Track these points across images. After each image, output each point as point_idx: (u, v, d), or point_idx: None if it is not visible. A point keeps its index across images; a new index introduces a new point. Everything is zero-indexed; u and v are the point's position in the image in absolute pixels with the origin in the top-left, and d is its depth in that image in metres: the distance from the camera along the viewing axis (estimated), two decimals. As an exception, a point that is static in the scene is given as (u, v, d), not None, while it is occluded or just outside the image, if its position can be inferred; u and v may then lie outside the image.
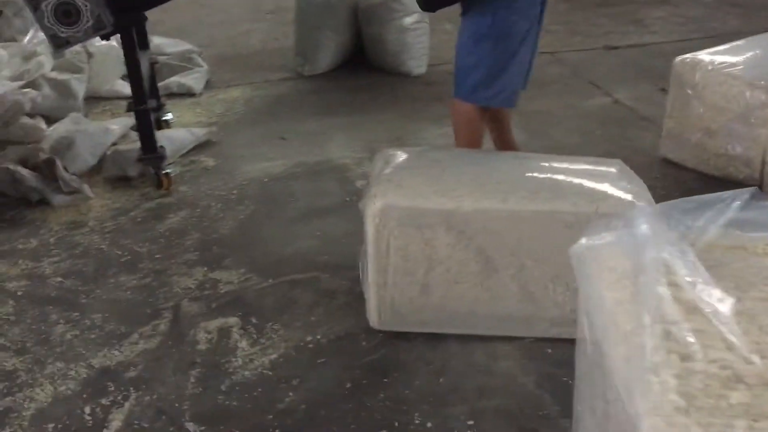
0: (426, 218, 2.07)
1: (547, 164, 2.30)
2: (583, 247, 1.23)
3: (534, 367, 2.13)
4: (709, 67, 3.04)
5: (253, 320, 2.36)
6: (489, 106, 2.73)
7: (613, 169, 2.31)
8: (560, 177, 2.19)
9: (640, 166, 2.86)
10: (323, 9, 4.58)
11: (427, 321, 2.23)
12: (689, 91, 3.13)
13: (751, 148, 2.98)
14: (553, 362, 2.15)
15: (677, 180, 3.19)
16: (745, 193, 1.13)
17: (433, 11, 2.61)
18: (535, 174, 2.20)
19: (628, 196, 2.09)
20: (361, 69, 4.66)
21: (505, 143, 2.99)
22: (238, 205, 3.08)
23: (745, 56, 3.05)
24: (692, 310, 0.98)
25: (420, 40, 4.61)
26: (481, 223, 2.07)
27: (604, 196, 2.09)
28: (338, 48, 4.68)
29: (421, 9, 2.63)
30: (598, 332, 1.09)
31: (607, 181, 2.19)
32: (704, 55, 3.11)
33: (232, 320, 2.37)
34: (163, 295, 2.50)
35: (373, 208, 2.09)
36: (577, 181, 2.18)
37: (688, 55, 3.16)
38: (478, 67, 2.58)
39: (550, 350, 2.20)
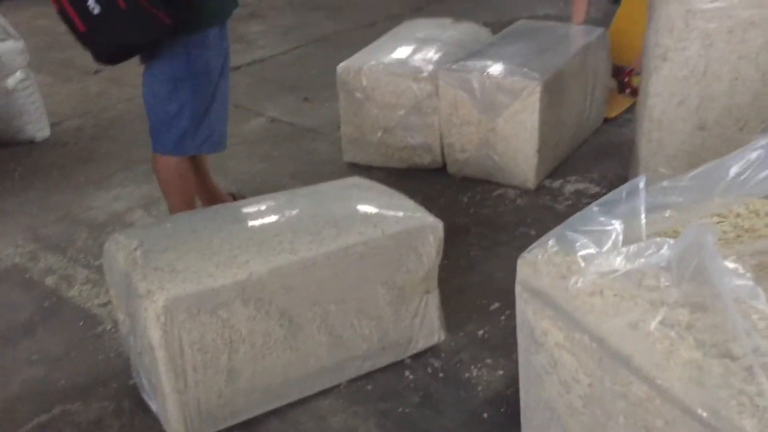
0: (219, 298, 1.78)
1: (303, 200, 2.15)
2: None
3: (366, 411, 2.01)
4: (373, 70, 3.17)
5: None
6: (199, 154, 2.47)
7: (361, 186, 2.28)
8: (328, 210, 2.07)
9: (332, 175, 2.89)
10: None
11: (240, 409, 1.94)
12: (359, 96, 3.23)
13: (429, 135, 3.20)
14: (379, 397, 2.05)
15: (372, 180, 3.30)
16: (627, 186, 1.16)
17: (114, 64, 2.23)
18: (303, 215, 2.05)
19: (401, 211, 2.07)
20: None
21: (210, 190, 2.75)
22: None
23: (398, 54, 3.26)
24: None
25: (32, 99, 3.96)
26: (278, 284, 1.85)
27: (380, 216, 2.04)
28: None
29: (100, 63, 2.22)
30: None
31: (369, 202, 2.14)
32: (363, 60, 3.23)
33: None
34: None
35: (153, 308, 1.72)
36: (345, 209, 2.08)
37: (347, 62, 3.26)
38: (181, 115, 2.31)
39: (369, 386, 2.09)
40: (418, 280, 2.07)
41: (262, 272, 1.82)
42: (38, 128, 3.99)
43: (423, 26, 3.66)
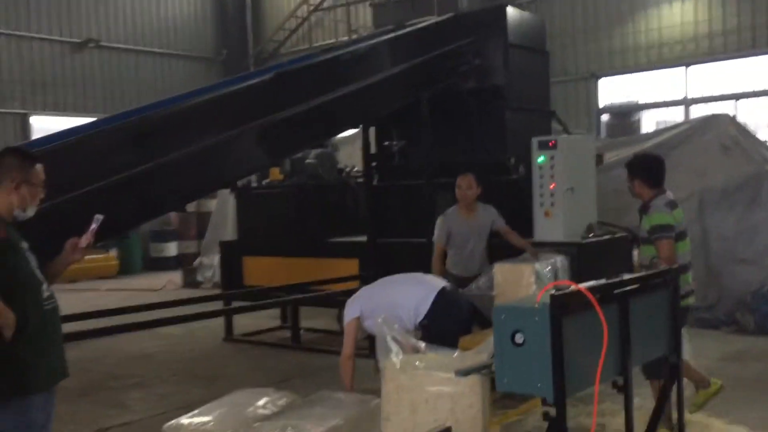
0: None
1: None
2: None
3: None
4: (190, 427, 3.96)
5: None
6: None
7: None
8: None
9: None
10: None
11: None
12: (177, 448, 3.97)
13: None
14: None
15: None
16: None
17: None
18: None
19: None
20: None
21: None
22: None
23: (215, 412, 4.09)
24: None
25: None
26: None
27: None
28: None
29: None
30: None
31: None
32: (184, 420, 4.04)
33: None
34: None
35: None
36: None
37: (172, 422, 4.05)
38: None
39: None
40: None
41: None
42: None
43: (245, 395, 4.54)
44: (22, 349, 3.02)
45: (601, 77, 15.60)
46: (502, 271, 5.71)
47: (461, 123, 7.30)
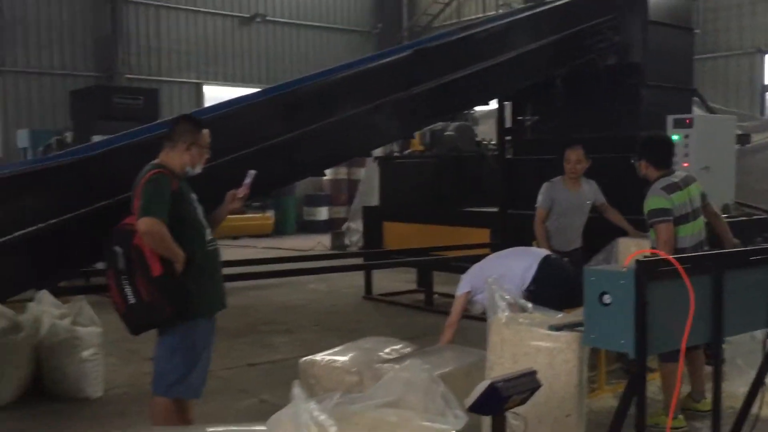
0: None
1: None
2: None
3: None
4: (322, 363, 4.56)
5: None
6: (182, 398, 3.80)
7: None
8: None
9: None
10: (2, 346, 5.25)
11: None
12: (312, 381, 4.57)
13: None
14: None
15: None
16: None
17: (138, 334, 3.72)
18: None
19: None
20: (42, 400, 5.31)
21: (188, 423, 4.00)
22: None
23: (345, 353, 4.66)
24: None
25: (96, 368, 5.50)
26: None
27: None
28: (20, 382, 5.30)
29: (132, 333, 3.72)
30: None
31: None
32: (318, 357, 4.64)
33: None
34: None
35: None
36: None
37: (308, 357, 4.66)
38: (173, 371, 3.71)
39: None
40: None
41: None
42: (95, 390, 5.46)
43: (374, 341, 5.08)
44: (189, 282, 3.68)
45: (767, 53, 14.73)
46: (623, 245, 5.86)
47: (596, 99, 7.39)
